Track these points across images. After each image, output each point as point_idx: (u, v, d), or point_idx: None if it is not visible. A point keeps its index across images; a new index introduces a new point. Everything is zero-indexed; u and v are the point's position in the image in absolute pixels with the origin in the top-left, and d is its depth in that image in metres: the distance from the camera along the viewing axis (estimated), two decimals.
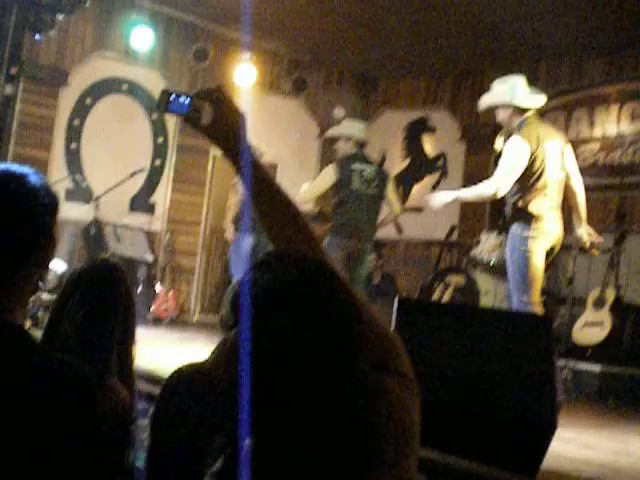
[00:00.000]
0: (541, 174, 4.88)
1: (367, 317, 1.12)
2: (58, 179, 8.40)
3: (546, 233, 4.85)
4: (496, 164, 4.96)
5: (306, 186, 6.36)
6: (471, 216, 9.77)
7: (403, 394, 1.22)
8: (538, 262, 4.78)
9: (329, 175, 6.28)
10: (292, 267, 1.11)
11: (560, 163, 5.02)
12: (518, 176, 4.81)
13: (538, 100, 5.06)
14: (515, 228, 4.87)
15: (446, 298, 7.72)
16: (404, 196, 10.21)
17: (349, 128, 6.49)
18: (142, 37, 8.94)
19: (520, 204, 4.89)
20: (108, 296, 2.32)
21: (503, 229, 7.75)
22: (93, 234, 8.66)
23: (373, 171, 6.39)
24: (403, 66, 10.16)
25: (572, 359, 6.65)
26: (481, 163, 9.72)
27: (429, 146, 10.51)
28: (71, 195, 8.91)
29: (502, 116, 5.09)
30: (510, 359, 2.92)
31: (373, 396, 1.12)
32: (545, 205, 4.89)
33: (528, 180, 4.86)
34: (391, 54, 9.51)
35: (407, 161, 10.68)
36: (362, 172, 6.32)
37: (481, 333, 3.01)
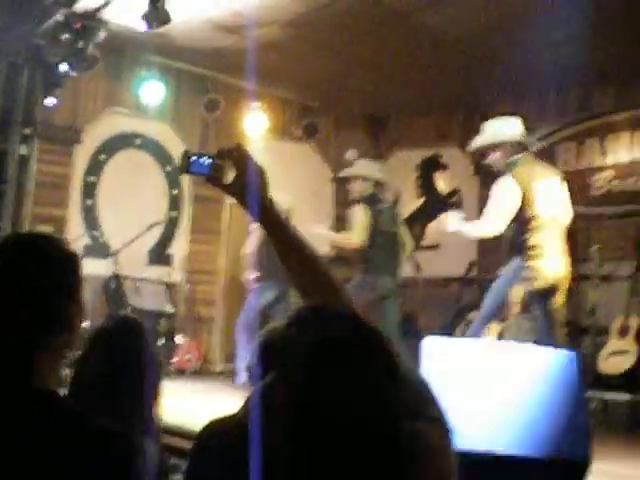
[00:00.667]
0: (534, 213, 4.87)
1: (403, 367, 1.13)
2: (76, 236, 8.45)
3: (541, 271, 4.81)
4: None
5: (323, 229, 6.37)
6: (490, 251, 9.71)
7: (438, 439, 1.21)
8: (512, 299, 4.77)
9: (365, 215, 6.25)
10: (334, 324, 1.13)
11: (559, 200, 5.01)
12: (513, 215, 4.80)
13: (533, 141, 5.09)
14: (515, 261, 4.86)
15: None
16: (420, 235, 10.19)
17: (365, 168, 6.51)
18: (152, 91, 8.98)
19: (518, 241, 4.88)
20: (129, 352, 2.30)
21: None
22: (113, 289, 8.67)
23: (391, 211, 6.42)
24: (412, 104, 10.17)
25: (600, 389, 6.58)
26: None
27: (442, 183, 10.52)
28: (89, 251, 8.92)
29: (496, 156, 5.06)
30: (540, 395, 2.88)
31: (409, 445, 1.11)
32: (542, 243, 4.86)
33: (522, 219, 4.85)
34: (399, 93, 9.52)
35: (421, 200, 10.68)
36: (385, 212, 6.35)
37: (509, 369, 2.98)
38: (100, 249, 9.01)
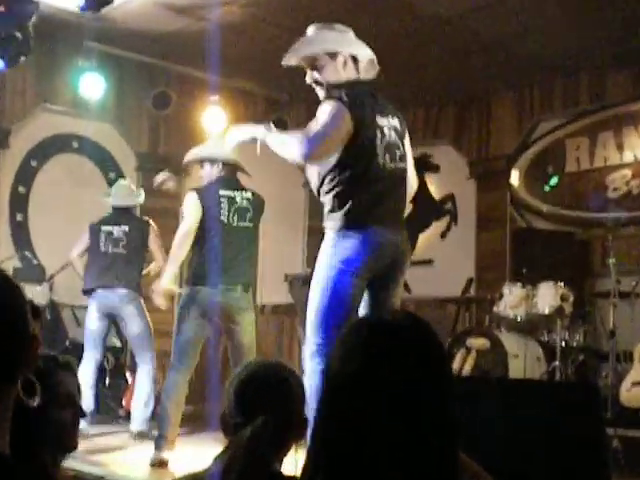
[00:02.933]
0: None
1: None
2: (3, 258, 8.37)
3: None
4: (512, 201, 4.89)
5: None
6: (489, 267, 9.74)
7: None
8: None
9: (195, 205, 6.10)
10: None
11: None
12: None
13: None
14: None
15: (469, 366, 7.65)
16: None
17: (214, 148, 6.40)
18: (92, 85, 8.89)
19: None
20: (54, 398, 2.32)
21: (528, 280, 7.77)
22: (49, 319, 8.64)
23: (246, 199, 6.32)
24: (396, 96, 10.11)
25: (621, 426, 6.57)
26: (495, 202, 9.79)
27: (434, 187, 10.53)
28: (21, 275, 8.69)
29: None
30: (557, 434, 2.91)
31: None
32: None
33: None
34: (382, 84, 9.51)
35: (410, 207, 10.68)
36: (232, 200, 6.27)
37: (524, 407, 3.04)
38: (33, 273, 8.88)
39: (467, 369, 7.64)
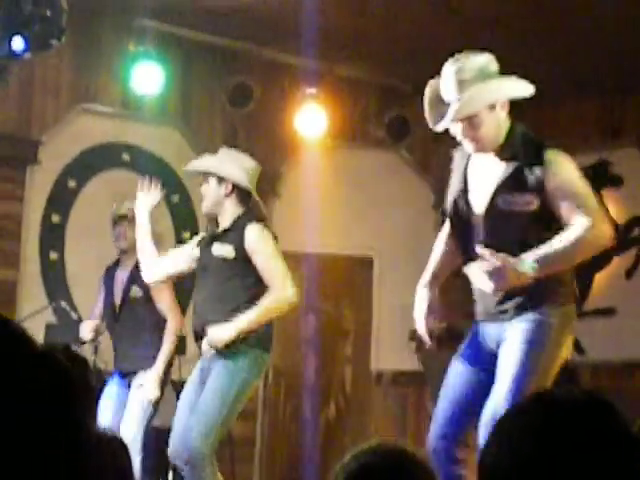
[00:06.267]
0: None
1: None
2: (33, 311, 8.36)
3: None
4: None
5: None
6: None
7: None
8: None
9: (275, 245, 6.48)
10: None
11: None
12: None
13: None
14: None
15: None
16: (583, 291, 9.70)
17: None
18: (147, 77, 8.97)
19: None
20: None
21: None
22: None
23: None
24: (563, 83, 10.09)
25: None
26: None
27: (615, 208, 10.21)
28: (55, 333, 8.79)
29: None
30: None
31: None
32: None
33: None
34: (542, 65, 9.39)
35: None
36: None
37: None
38: (71, 329, 8.69)
39: None
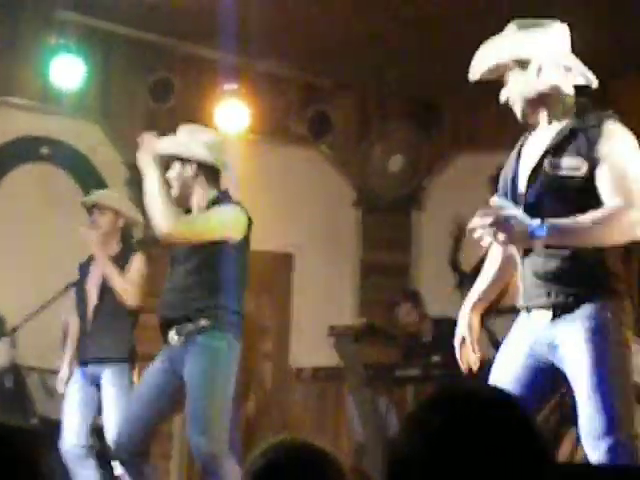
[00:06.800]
0: None
1: None
2: None
3: None
4: None
5: None
6: None
7: None
8: None
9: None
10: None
11: None
12: None
13: None
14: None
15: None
16: None
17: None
18: (67, 71, 8.93)
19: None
20: None
21: None
22: (9, 388, 8.62)
23: None
24: (481, 86, 9.92)
25: None
26: None
27: None
28: None
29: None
30: None
31: None
32: None
33: None
34: (462, 65, 9.34)
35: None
36: None
37: None
38: None
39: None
